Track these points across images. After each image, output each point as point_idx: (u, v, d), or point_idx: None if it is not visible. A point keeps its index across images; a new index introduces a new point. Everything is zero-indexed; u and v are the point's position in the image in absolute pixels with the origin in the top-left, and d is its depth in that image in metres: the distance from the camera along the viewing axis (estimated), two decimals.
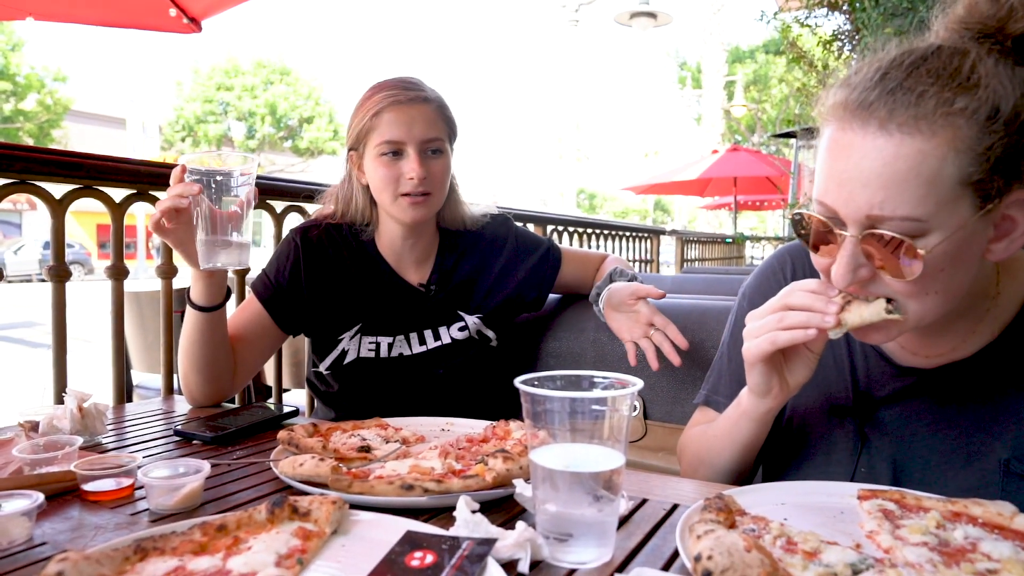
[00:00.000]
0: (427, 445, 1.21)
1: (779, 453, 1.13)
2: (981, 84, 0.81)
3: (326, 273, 1.64)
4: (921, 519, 0.85)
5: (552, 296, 1.83)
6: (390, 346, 1.62)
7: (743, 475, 1.16)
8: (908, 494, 0.91)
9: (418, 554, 0.75)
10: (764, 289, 1.16)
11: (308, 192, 2.13)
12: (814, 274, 1.03)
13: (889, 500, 0.90)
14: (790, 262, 1.16)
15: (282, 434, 1.17)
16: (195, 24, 3.97)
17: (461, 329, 1.65)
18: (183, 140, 30.94)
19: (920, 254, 0.83)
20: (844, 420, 1.06)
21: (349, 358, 1.62)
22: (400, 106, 1.53)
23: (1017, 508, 0.84)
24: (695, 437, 1.22)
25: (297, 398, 3.04)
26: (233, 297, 1.62)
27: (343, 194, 1.68)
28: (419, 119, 1.54)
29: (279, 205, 2.27)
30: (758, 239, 12.77)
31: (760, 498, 0.92)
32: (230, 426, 1.31)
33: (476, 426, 1.30)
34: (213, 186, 1.27)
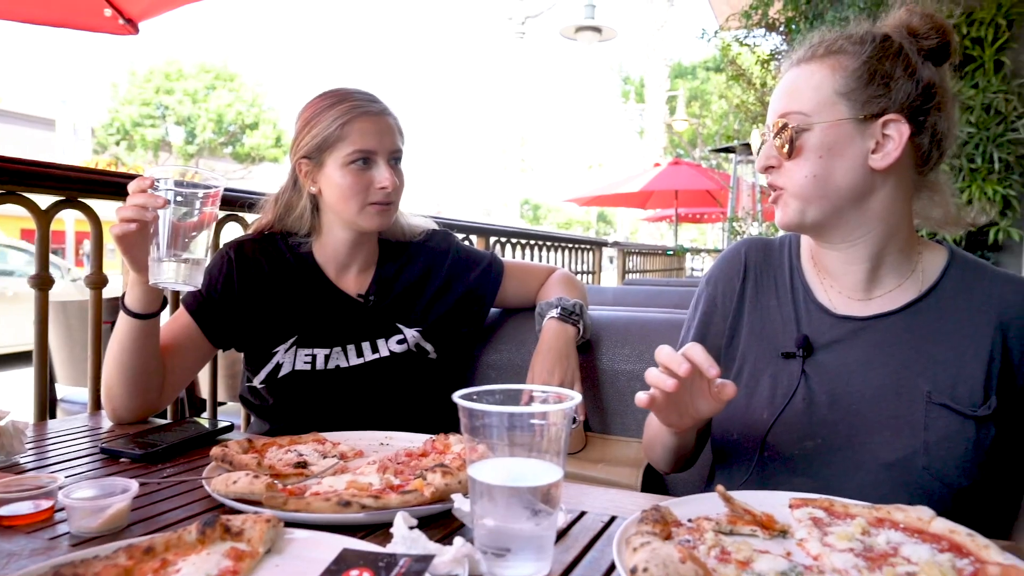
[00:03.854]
0: (365, 460, 1.20)
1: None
2: (858, 35, 1.13)
3: (260, 285, 1.61)
4: (848, 526, 0.88)
5: (494, 309, 1.83)
6: (327, 358, 1.60)
7: (689, 456, 1.31)
8: (836, 502, 0.94)
9: (354, 572, 0.73)
10: (726, 276, 1.33)
11: (248, 200, 2.08)
12: (767, 261, 1.31)
13: (819, 508, 0.93)
14: (745, 250, 1.34)
15: (215, 450, 1.13)
16: (131, 25, 3.84)
17: (400, 342, 1.64)
18: (117, 144, 29.97)
19: (798, 135, 1.13)
20: (789, 362, 1.21)
21: (284, 371, 1.59)
22: (371, 117, 1.55)
23: (935, 512, 0.88)
24: (647, 423, 1.34)
25: (234, 413, 2.97)
26: (167, 308, 1.57)
27: (285, 201, 1.65)
28: (387, 130, 1.56)
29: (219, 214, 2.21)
30: (698, 251, 13.04)
31: (697, 509, 0.93)
32: (160, 443, 1.26)
33: (415, 440, 1.29)
34: (180, 200, 1.22)
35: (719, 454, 1.30)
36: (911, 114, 1.11)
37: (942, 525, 0.86)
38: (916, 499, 1.04)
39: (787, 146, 1.13)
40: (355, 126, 1.53)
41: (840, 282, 1.22)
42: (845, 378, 1.17)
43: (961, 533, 0.84)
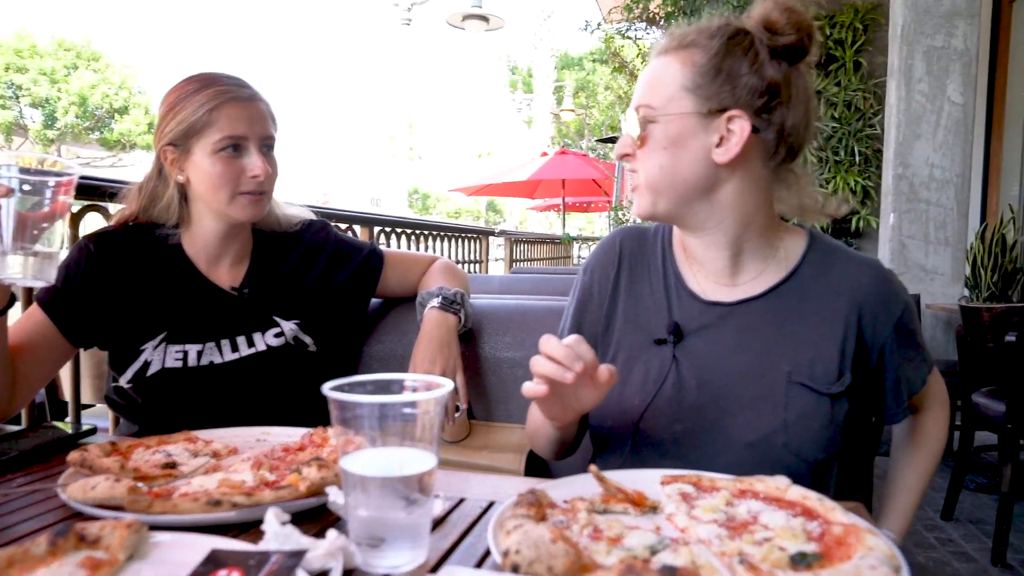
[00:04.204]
0: (240, 457, 1.16)
1: None
2: (711, 31, 1.15)
3: (124, 279, 1.52)
4: (713, 499, 0.92)
5: (375, 300, 1.81)
6: (199, 354, 1.53)
7: (572, 443, 1.34)
8: (704, 477, 0.99)
9: (222, 573, 0.71)
10: (602, 264, 1.36)
11: (110, 189, 1.95)
12: (641, 250, 1.34)
13: (688, 483, 0.97)
14: (620, 241, 1.37)
15: (73, 455, 1.06)
16: None
17: (277, 335, 1.59)
18: None
19: (646, 127, 1.16)
20: (661, 348, 1.24)
21: (153, 369, 1.51)
22: (241, 102, 1.48)
23: (791, 481, 0.94)
24: (529, 414, 1.36)
25: (103, 415, 2.79)
26: (18, 305, 1.46)
27: (149, 191, 1.56)
28: (258, 116, 1.50)
29: (75, 204, 2.07)
30: (586, 239, 13.32)
31: (573, 490, 0.96)
32: (11, 450, 1.17)
33: (294, 434, 1.25)
34: (27, 189, 1.12)
35: (597, 441, 1.33)
36: (756, 110, 1.14)
37: (796, 492, 0.92)
38: (776, 473, 1.09)
39: (638, 136, 1.17)
40: (224, 111, 1.46)
41: (707, 268, 1.25)
42: (713, 362, 1.20)
43: (812, 498, 0.90)
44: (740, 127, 1.13)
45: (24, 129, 27.74)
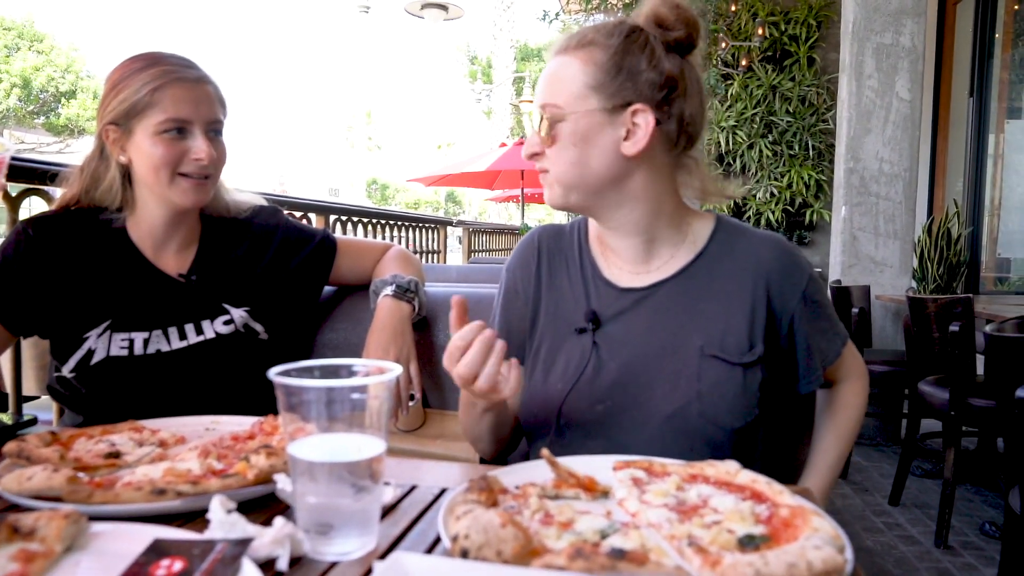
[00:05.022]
0: (187, 446, 1.13)
1: (530, 372, 1.34)
2: (608, 29, 1.20)
3: (65, 265, 1.47)
4: (664, 483, 0.93)
5: (329, 287, 1.78)
6: (145, 342, 1.49)
7: (509, 438, 1.37)
8: (655, 462, 1.00)
9: (165, 562, 0.69)
10: (522, 262, 1.40)
11: (50, 172, 1.89)
12: (558, 245, 1.38)
13: (639, 469, 0.98)
14: (538, 238, 1.42)
15: (9, 446, 1.02)
16: None
17: (226, 323, 1.55)
18: None
19: (554, 126, 1.19)
20: (582, 337, 1.28)
21: (97, 358, 1.46)
22: (187, 83, 1.44)
23: (741, 465, 0.95)
24: (461, 412, 1.37)
25: (47, 407, 2.71)
26: None
27: (91, 172, 1.51)
28: (204, 99, 1.46)
29: (14, 188, 2.00)
30: None
31: (525, 476, 0.96)
32: None
33: (244, 423, 1.23)
34: None
35: (527, 430, 1.36)
36: (657, 103, 1.19)
37: (746, 476, 0.93)
38: (697, 444, 1.18)
39: (546, 135, 1.20)
40: (168, 92, 1.42)
41: (622, 257, 1.31)
42: (631, 345, 1.25)
43: (761, 482, 0.91)
44: (645, 120, 1.18)
45: None
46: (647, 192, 1.24)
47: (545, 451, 0.95)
